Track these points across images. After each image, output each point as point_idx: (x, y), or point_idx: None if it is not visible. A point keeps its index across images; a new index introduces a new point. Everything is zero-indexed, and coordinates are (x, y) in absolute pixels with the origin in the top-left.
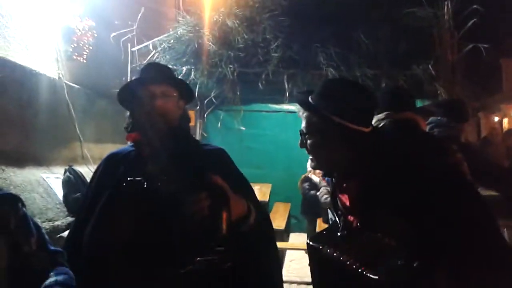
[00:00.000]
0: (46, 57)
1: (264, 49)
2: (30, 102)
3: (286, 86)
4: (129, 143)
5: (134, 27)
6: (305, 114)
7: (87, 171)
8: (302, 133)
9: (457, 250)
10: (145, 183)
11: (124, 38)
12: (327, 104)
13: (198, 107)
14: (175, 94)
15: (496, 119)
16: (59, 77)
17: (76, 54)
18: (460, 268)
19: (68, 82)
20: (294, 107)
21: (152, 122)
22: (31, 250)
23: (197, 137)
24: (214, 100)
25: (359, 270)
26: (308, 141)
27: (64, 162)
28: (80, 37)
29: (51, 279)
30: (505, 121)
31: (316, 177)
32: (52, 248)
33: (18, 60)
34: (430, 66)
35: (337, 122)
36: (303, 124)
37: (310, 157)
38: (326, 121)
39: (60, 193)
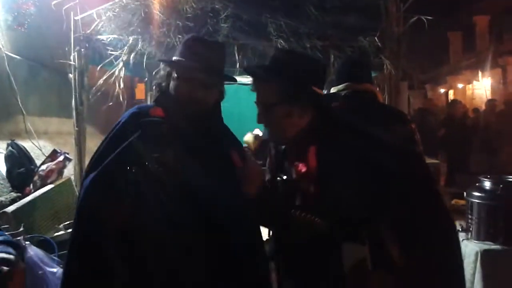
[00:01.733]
0: None
1: (214, 19)
2: None
3: (237, 57)
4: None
5: None
6: (260, 88)
7: (31, 146)
8: (259, 107)
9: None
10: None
11: (66, 6)
12: (282, 75)
13: (146, 79)
14: (219, 83)
15: (442, 90)
16: None
17: (17, 23)
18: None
19: (8, 53)
20: (246, 79)
21: (185, 108)
22: None
23: None
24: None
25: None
26: (266, 114)
27: (6, 137)
28: (21, 5)
29: None
30: (451, 92)
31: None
32: None
33: None
34: (376, 38)
35: (293, 92)
36: (259, 98)
37: (268, 129)
38: (283, 92)
39: (2, 168)
